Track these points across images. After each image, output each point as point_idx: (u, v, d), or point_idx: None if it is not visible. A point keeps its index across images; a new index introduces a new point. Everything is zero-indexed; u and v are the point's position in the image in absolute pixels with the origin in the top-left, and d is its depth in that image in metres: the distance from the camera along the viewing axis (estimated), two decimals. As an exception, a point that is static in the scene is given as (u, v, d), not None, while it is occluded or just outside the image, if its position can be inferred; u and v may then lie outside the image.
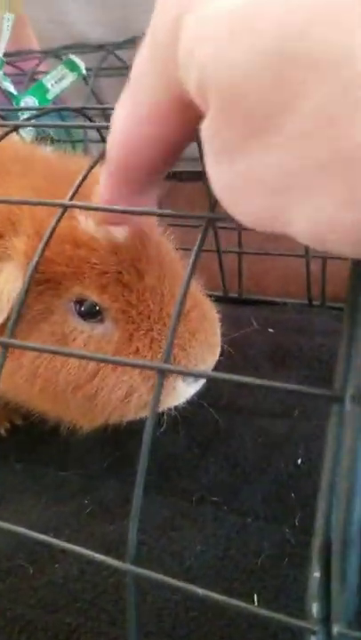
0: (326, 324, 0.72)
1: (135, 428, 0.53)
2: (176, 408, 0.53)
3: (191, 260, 0.33)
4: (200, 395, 0.54)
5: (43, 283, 0.48)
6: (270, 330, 0.71)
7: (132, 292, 0.49)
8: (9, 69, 1.02)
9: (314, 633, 0.28)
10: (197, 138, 0.29)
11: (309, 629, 0.28)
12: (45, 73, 0.78)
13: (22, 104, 0.76)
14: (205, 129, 0.27)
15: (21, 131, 0.72)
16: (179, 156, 0.34)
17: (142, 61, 0.30)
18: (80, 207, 0.43)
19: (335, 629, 0.28)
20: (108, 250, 0.48)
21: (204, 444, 0.58)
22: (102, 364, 0.49)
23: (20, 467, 0.60)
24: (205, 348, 0.51)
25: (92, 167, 0.41)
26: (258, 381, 0.31)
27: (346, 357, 0.27)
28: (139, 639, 0.31)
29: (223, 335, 0.54)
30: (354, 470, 0.27)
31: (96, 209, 0.41)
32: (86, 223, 0.48)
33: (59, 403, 0.52)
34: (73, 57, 0.75)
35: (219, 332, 0.53)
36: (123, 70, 0.93)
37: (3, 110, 0.68)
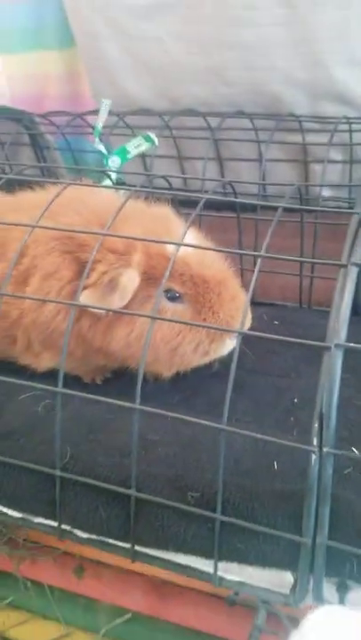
0: (312, 319, 1.09)
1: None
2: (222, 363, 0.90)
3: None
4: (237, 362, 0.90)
5: (147, 280, 0.85)
6: (275, 322, 1.07)
7: (198, 286, 0.86)
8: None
9: (314, 453, 0.63)
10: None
11: (313, 451, 0.63)
12: (128, 140, 1.13)
13: (110, 161, 1.11)
14: None
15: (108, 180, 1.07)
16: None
17: None
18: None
19: (325, 450, 0.63)
20: (184, 261, 0.85)
21: (237, 390, 0.94)
22: (182, 327, 0.86)
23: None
24: (247, 319, 0.88)
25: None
26: (275, 337, 0.67)
27: (336, 311, 0.63)
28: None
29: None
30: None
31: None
32: (170, 247, 0.85)
33: (153, 355, 0.86)
34: (150, 133, 1.09)
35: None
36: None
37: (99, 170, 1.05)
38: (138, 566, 1.26)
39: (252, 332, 0.70)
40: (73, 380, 0.97)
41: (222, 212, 1.19)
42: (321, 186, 1.29)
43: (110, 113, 1.32)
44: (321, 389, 0.64)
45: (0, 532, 1.33)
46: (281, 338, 0.66)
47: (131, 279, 0.83)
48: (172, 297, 0.87)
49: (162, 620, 1.23)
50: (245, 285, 1.16)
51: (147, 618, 1.24)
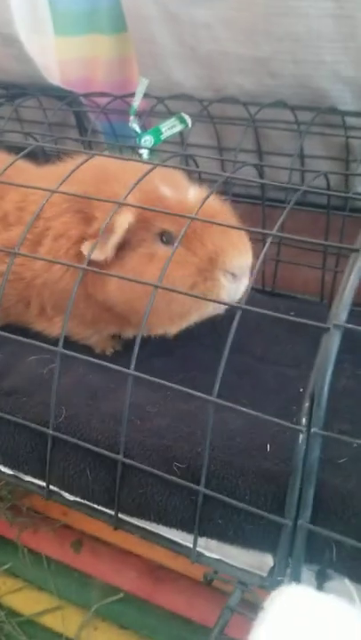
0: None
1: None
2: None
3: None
4: (246, 348, 0.89)
5: (141, 222, 0.84)
6: (291, 313, 1.05)
7: (192, 227, 0.82)
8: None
9: (302, 432, 0.62)
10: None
11: (300, 430, 0.61)
12: (161, 120, 1.13)
13: (143, 140, 1.11)
14: None
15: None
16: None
17: None
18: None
19: (312, 430, 0.62)
20: (178, 205, 0.83)
21: (243, 375, 0.93)
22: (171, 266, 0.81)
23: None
24: (239, 253, 0.85)
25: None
26: (270, 313, 0.66)
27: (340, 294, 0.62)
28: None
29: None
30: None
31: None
32: (165, 191, 0.85)
33: (147, 300, 0.79)
34: (184, 114, 1.09)
35: (249, 245, 0.87)
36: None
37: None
38: (135, 546, 1.26)
39: (248, 307, 0.67)
40: (84, 350, 0.98)
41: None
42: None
43: (150, 96, 1.33)
44: (316, 368, 0.62)
45: (5, 497, 1.35)
46: (278, 315, 0.65)
47: (125, 218, 0.83)
48: (168, 240, 0.85)
49: (153, 604, 1.22)
50: (267, 276, 1.16)
51: (138, 600, 1.24)
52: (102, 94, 1.50)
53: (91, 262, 0.77)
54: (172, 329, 0.91)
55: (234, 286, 0.86)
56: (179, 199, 0.85)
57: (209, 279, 0.84)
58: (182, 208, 0.82)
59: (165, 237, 0.85)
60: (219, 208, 0.88)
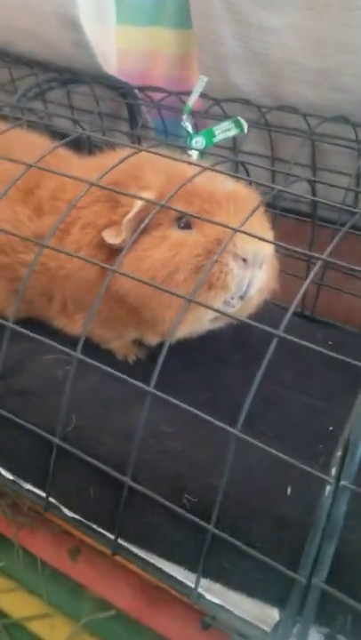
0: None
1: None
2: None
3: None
4: (275, 375, 0.83)
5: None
6: (329, 342, 0.99)
7: (205, 201, 0.77)
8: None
9: (330, 484, 0.55)
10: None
11: (328, 481, 0.55)
12: (215, 122, 1.08)
13: (194, 142, 1.05)
14: None
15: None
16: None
17: None
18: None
19: (342, 483, 0.55)
20: (204, 192, 0.77)
21: (269, 403, 0.87)
22: (178, 247, 0.77)
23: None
24: (256, 241, 0.75)
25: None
26: (302, 342, 0.59)
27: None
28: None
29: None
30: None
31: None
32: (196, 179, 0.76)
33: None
34: (240, 118, 1.03)
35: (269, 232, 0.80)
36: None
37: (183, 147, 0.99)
38: (133, 563, 1.20)
39: (285, 335, 0.61)
40: (106, 354, 0.93)
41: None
42: None
43: (206, 97, 1.27)
44: (353, 415, 0.56)
45: (6, 494, 1.30)
46: (315, 347, 0.59)
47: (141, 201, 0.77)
48: (185, 225, 0.79)
49: (145, 626, 1.16)
50: (307, 299, 1.09)
51: (130, 619, 1.18)
52: (158, 89, 1.45)
53: (113, 250, 0.75)
54: (185, 327, 0.82)
55: (246, 274, 0.77)
56: (207, 188, 0.78)
57: (217, 262, 0.74)
58: (209, 195, 0.76)
59: (183, 222, 0.79)
60: (245, 194, 0.81)
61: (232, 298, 0.78)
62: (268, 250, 0.78)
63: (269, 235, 0.80)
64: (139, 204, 0.77)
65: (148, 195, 0.77)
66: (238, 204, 0.78)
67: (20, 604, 1.24)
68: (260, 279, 0.79)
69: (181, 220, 0.79)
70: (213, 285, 0.76)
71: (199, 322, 0.82)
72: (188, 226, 0.79)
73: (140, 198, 0.76)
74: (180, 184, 0.72)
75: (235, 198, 0.78)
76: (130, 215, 0.78)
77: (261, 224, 0.80)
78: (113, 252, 0.80)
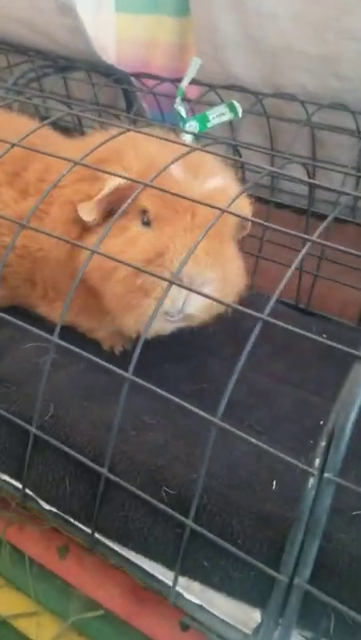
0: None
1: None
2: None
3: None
4: (266, 367, 0.79)
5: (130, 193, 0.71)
6: (323, 335, 0.95)
7: (162, 218, 0.74)
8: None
9: (312, 475, 0.52)
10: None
11: (311, 472, 0.52)
12: (208, 106, 1.05)
13: (187, 126, 1.02)
14: None
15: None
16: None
17: None
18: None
19: (325, 475, 0.52)
20: (176, 187, 0.72)
21: (259, 396, 0.83)
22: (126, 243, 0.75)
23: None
24: (193, 260, 0.71)
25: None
26: (291, 328, 0.56)
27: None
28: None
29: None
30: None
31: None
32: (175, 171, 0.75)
33: (99, 270, 0.75)
34: (235, 102, 1.00)
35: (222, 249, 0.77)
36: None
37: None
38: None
39: (269, 319, 0.56)
40: (93, 344, 0.90)
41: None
42: None
43: (202, 83, 1.24)
44: (338, 404, 0.53)
45: (-7, 488, 1.27)
46: (303, 332, 0.55)
47: (114, 181, 0.75)
48: (147, 221, 0.76)
49: (132, 627, 1.13)
50: (302, 291, 1.06)
51: (118, 620, 1.15)
52: (153, 76, 1.42)
53: (85, 229, 0.75)
54: (129, 319, 0.79)
55: (182, 292, 0.73)
56: (181, 186, 0.74)
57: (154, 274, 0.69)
58: (181, 191, 0.71)
59: (146, 218, 0.76)
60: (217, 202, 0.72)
61: (167, 312, 0.75)
62: (209, 274, 0.74)
63: (220, 258, 0.76)
64: (110, 187, 0.74)
65: (119, 180, 0.74)
66: (196, 217, 0.74)
67: (6, 602, 1.21)
68: (200, 300, 0.75)
69: (145, 215, 0.76)
70: (148, 295, 0.74)
71: (141, 324, 0.78)
72: (148, 223, 0.76)
73: (117, 175, 0.73)
74: (156, 173, 0.68)
75: (197, 209, 0.74)
76: (100, 195, 0.75)
77: (212, 244, 0.75)
78: (85, 230, 0.78)
